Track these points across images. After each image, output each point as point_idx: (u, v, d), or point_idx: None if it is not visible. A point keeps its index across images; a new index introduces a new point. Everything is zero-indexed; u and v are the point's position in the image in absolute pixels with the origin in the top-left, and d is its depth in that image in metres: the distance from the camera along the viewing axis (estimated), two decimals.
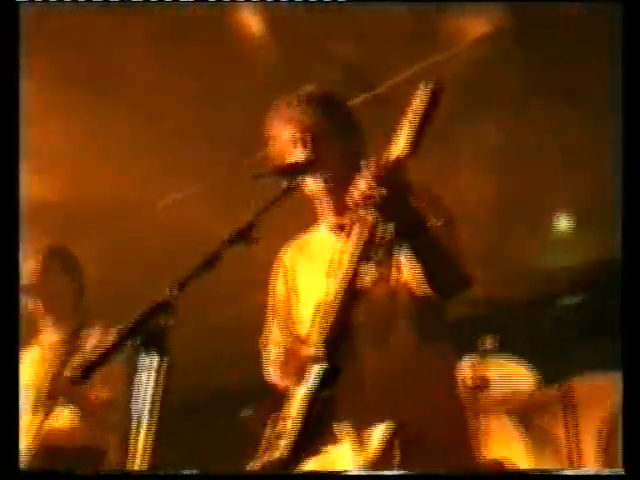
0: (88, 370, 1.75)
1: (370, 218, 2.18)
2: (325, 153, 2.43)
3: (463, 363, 4.66)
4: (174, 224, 5.16)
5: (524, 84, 4.12)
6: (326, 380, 2.16)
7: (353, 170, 2.29)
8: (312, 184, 2.44)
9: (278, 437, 2.21)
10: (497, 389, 4.90)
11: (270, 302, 2.66)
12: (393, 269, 2.29)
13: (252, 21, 3.82)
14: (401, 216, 2.16)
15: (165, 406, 1.73)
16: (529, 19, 3.68)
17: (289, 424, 2.20)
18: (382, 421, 2.22)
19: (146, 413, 1.73)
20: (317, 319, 2.26)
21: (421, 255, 2.21)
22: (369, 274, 2.23)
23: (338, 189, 2.42)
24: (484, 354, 4.74)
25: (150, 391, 1.74)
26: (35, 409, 3.77)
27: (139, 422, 1.73)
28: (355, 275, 2.21)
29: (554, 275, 5.73)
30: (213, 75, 4.14)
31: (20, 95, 2.34)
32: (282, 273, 2.65)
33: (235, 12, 3.78)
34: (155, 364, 1.75)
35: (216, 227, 2.13)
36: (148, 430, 1.72)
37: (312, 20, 3.78)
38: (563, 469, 4.45)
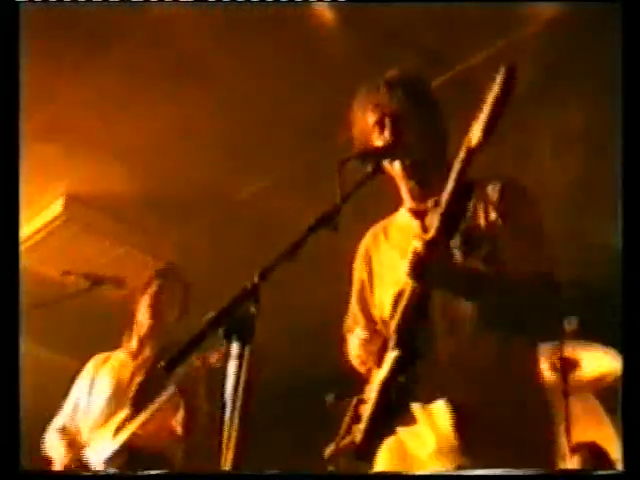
0: (176, 359, 1.78)
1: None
2: (407, 136, 2.42)
3: (549, 346, 4.60)
4: (259, 212, 5.18)
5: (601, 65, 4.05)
6: (402, 366, 2.17)
7: (434, 154, 2.34)
8: (396, 167, 2.44)
9: (356, 421, 2.24)
10: (585, 371, 4.82)
11: (353, 286, 2.68)
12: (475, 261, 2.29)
13: (327, 9, 3.84)
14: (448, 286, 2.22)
15: (252, 393, 1.75)
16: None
17: (367, 408, 2.22)
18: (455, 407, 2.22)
19: (232, 401, 1.74)
20: (397, 306, 2.26)
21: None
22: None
23: (419, 173, 2.43)
24: (569, 336, 4.67)
25: (236, 379, 1.75)
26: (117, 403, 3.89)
27: (228, 411, 1.74)
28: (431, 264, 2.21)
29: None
30: (291, 64, 4.16)
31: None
32: (363, 257, 2.65)
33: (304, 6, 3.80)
34: (241, 352, 1.76)
35: (301, 213, 2.14)
36: (235, 419, 1.73)
37: (386, 7, 3.77)
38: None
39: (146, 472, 3.40)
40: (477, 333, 2.29)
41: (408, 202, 2.53)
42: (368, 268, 2.62)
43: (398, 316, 2.23)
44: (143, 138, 4.72)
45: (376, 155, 2.35)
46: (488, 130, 2.06)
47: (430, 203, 2.39)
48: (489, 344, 2.28)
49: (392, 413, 2.21)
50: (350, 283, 2.70)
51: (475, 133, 2.08)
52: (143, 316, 4.06)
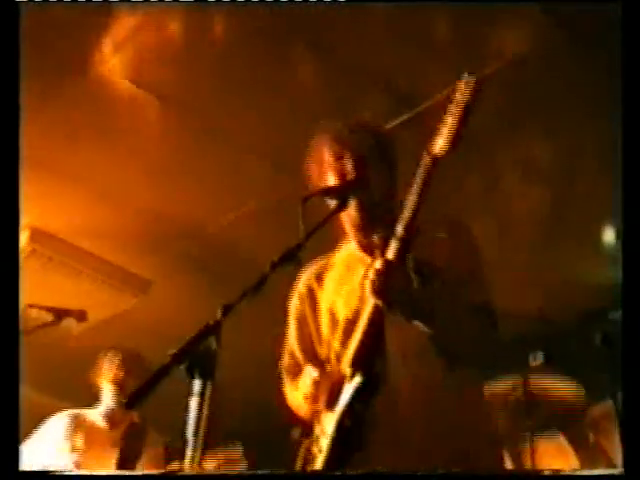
0: (138, 395, 1.76)
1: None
2: (367, 174, 2.45)
3: (510, 380, 4.62)
4: (227, 246, 5.18)
5: (570, 94, 4.09)
6: (362, 395, 2.18)
7: (387, 193, 2.43)
8: (353, 204, 2.45)
9: (313, 457, 2.23)
10: (548, 406, 4.84)
11: (289, 326, 2.67)
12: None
13: (298, 44, 3.86)
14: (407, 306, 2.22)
15: (213, 429, 1.74)
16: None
17: (323, 442, 2.21)
18: (415, 442, 2.22)
19: (193, 438, 1.73)
20: (351, 335, 2.27)
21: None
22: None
23: (369, 210, 2.45)
24: (535, 370, 4.69)
25: (197, 415, 1.74)
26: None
27: (189, 447, 1.73)
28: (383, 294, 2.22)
29: (603, 290, 5.65)
30: (263, 100, 4.17)
31: (21, 97, 2.36)
32: (305, 295, 2.65)
33: (278, 32, 3.81)
34: (202, 388, 1.75)
35: (265, 249, 2.14)
36: (196, 455, 1.72)
37: (354, 35, 3.80)
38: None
39: (146, 472, 3.38)
40: (426, 364, 2.30)
41: (355, 236, 2.53)
42: (312, 305, 2.61)
43: (355, 345, 2.24)
44: (111, 170, 4.70)
45: (340, 192, 2.36)
46: (451, 139, 2.11)
47: (376, 238, 2.42)
48: (437, 376, 2.29)
49: (349, 444, 2.20)
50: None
51: (438, 142, 2.13)
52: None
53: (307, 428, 2.39)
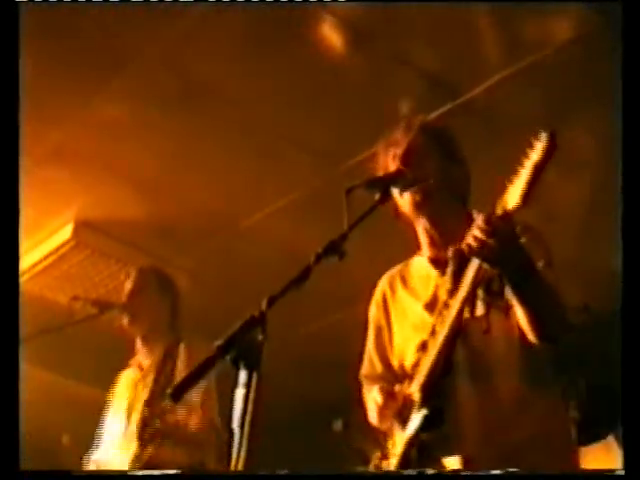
0: (182, 388, 1.77)
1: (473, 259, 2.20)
2: (422, 169, 2.45)
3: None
4: (266, 239, 5.18)
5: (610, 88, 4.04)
6: (429, 425, 2.17)
7: (455, 205, 2.41)
8: (406, 202, 2.46)
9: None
10: None
11: (369, 331, 2.67)
12: (498, 313, 2.30)
13: (332, 32, 3.85)
14: (510, 265, 2.15)
15: (259, 421, 1.74)
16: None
17: (393, 462, 2.21)
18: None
19: (239, 429, 1.73)
20: (422, 358, 2.27)
21: (528, 299, 2.20)
22: (476, 317, 2.26)
23: (439, 221, 2.47)
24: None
25: (244, 407, 1.74)
26: (131, 435, 3.84)
27: (236, 438, 1.73)
28: (460, 316, 2.22)
29: None
30: (301, 91, 4.16)
31: (20, 97, 2.35)
32: (380, 303, 2.66)
33: (315, 23, 3.80)
34: (248, 379, 1.75)
35: (309, 240, 2.14)
36: (243, 446, 1.71)
37: (394, 27, 3.78)
38: None
39: (146, 472, 3.38)
40: (502, 392, 2.28)
41: (427, 250, 2.54)
42: (385, 314, 2.62)
43: (426, 368, 2.23)
44: (152, 163, 4.73)
45: (383, 183, 2.35)
46: (526, 195, 2.06)
47: (450, 252, 2.38)
48: (515, 404, 2.28)
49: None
50: (354, 309, 2.69)
51: (512, 197, 2.08)
52: (126, 322, 4.02)
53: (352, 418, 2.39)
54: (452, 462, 2.21)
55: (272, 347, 1.81)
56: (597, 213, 4.71)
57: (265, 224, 5.07)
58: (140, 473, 3.37)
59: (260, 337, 1.80)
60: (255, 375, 1.76)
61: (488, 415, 2.26)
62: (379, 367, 2.58)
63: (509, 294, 2.22)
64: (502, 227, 2.09)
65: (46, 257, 5.34)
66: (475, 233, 2.11)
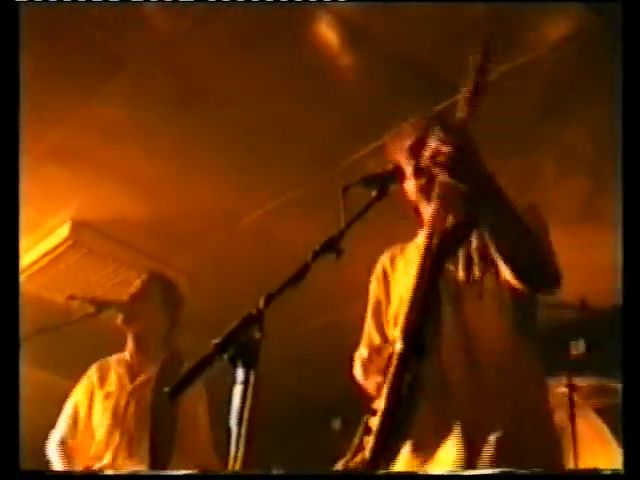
0: (180, 387, 1.77)
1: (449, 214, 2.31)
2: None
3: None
4: (264, 237, 5.19)
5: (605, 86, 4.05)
6: (406, 363, 2.18)
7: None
8: (412, 185, 2.51)
9: (367, 434, 2.21)
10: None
11: (368, 305, 2.69)
12: (492, 279, 2.34)
13: (331, 31, 3.85)
14: (471, 176, 2.23)
15: (257, 419, 1.74)
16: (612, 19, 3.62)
17: (376, 418, 2.20)
18: (469, 421, 2.22)
19: (237, 427, 1.73)
20: (401, 315, 2.28)
21: (506, 237, 2.26)
22: (471, 282, 2.30)
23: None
24: (576, 360, 4.66)
25: (241, 405, 1.74)
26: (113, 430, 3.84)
27: (233, 436, 1.73)
28: (437, 269, 2.27)
29: None
30: (298, 88, 4.17)
31: (20, 99, 2.36)
32: (380, 276, 2.69)
33: (314, 22, 3.81)
34: (246, 377, 1.75)
35: (306, 238, 2.14)
36: (240, 445, 1.71)
37: (391, 25, 3.79)
38: None
39: (146, 472, 3.38)
40: (493, 344, 2.31)
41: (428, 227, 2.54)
42: (385, 288, 2.65)
43: (404, 310, 2.26)
44: (150, 163, 4.74)
45: (380, 180, 2.36)
46: (471, 106, 2.26)
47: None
48: (506, 356, 2.30)
49: (402, 417, 2.19)
50: (352, 307, 2.70)
51: (460, 110, 2.28)
52: (120, 319, 4.02)
53: (350, 417, 2.39)
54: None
55: (270, 345, 1.82)
56: (595, 210, 4.74)
57: (263, 223, 5.08)
58: (140, 473, 3.37)
59: (258, 335, 1.80)
60: (253, 373, 1.75)
61: (478, 380, 2.27)
62: (377, 339, 2.59)
63: (486, 234, 2.29)
64: (456, 137, 2.19)
65: (43, 256, 5.35)
66: (431, 145, 2.22)
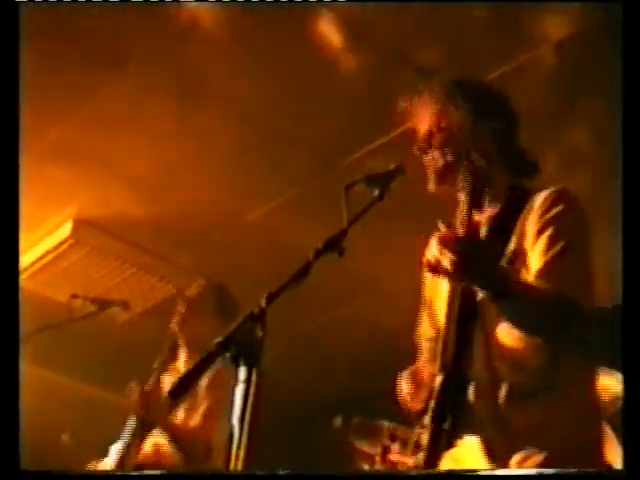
0: (180, 387, 1.77)
1: None
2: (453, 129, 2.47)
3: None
4: (266, 235, 5.18)
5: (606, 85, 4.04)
6: (448, 392, 2.16)
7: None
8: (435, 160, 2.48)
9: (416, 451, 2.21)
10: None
11: (424, 295, 2.65)
12: None
13: (332, 31, 3.85)
14: (481, 284, 2.16)
15: (259, 418, 1.74)
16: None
17: (424, 437, 2.18)
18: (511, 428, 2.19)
19: (239, 425, 1.73)
20: (442, 336, 2.27)
21: (509, 315, 2.20)
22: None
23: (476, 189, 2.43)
24: None
25: (243, 404, 1.74)
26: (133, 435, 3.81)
27: (235, 434, 1.73)
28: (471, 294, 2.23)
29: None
30: (302, 88, 4.16)
31: (20, 102, 2.35)
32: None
33: (314, 22, 3.81)
34: (248, 376, 1.75)
35: (309, 236, 2.14)
36: (242, 442, 1.71)
37: (392, 24, 3.78)
38: None
39: (146, 472, 3.37)
40: (524, 356, 2.25)
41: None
42: (434, 280, 2.56)
43: (441, 344, 2.24)
44: (152, 160, 4.73)
45: (382, 178, 2.36)
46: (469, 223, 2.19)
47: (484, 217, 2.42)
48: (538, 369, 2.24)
49: (446, 440, 2.17)
50: (355, 306, 2.69)
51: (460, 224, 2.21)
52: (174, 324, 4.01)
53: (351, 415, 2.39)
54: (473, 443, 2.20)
55: (272, 344, 1.82)
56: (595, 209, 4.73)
57: (265, 221, 5.07)
58: (140, 473, 3.37)
59: (260, 334, 1.80)
60: (255, 372, 1.75)
61: (503, 400, 2.22)
62: (430, 332, 2.54)
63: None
64: (463, 245, 2.10)
65: (45, 255, 5.35)
66: (433, 251, 2.12)
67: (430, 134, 2.48)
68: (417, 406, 2.32)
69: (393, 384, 2.51)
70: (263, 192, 4.91)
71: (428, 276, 2.56)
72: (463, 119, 2.48)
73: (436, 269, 2.13)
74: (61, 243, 5.28)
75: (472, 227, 2.16)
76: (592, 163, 4.49)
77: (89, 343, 5.52)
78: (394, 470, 2.22)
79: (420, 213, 2.64)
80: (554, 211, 2.31)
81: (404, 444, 2.34)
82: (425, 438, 2.17)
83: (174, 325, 3.98)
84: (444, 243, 2.09)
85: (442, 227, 2.19)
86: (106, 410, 4.12)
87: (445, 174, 2.47)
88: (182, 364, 4.03)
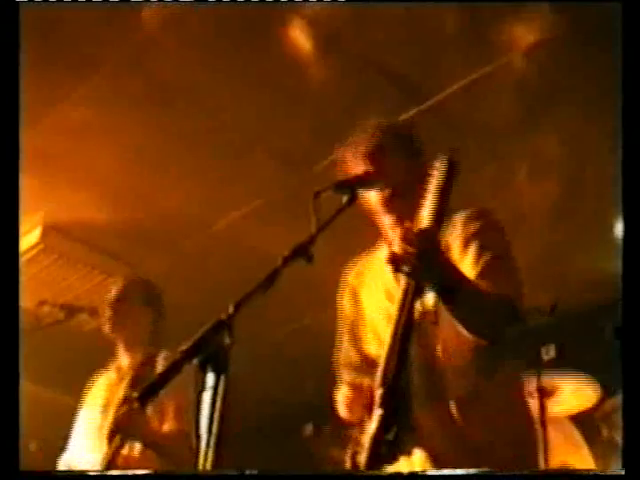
0: (149, 392, 1.75)
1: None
2: (387, 169, 2.49)
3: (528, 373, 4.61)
4: (235, 242, 5.18)
5: (579, 90, 4.07)
6: (387, 425, 2.15)
7: (414, 185, 2.38)
8: (373, 200, 2.50)
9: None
10: (562, 400, 4.84)
11: (342, 322, 2.68)
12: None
13: (302, 35, 3.85)
14: (432, 280, 2.19)
15: (226, 425, 1.73)
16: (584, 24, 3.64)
17: (361, 459, 2.19)
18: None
19: (207, 432, 1.72)
20: (385, 351, 2.25)
21: (459, 313, 2.23)
22: (427, 310, 2.28)
23: (400, 206, 2.48)
24: (547, 365, 4.68)
25: (211, 411, 1.73)
26: (103, 436, 3.79)
27: (202, 443, 1.72)
28: (411, 309, 2.23)
29: (616, 282, 5.61)
30: (269, 94, 4.16)
31: (20, 99, 2.37)
32: (349, 295, 2.68)
33: (285, 26, 3.80)
34: (215, 383, 1.74)
35: (277, 243, 2.14)
36: (210, 450, 1.71)
37: (361, 30, 3.79)
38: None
39: (145, 472, 3.36)
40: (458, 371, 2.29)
41: (387, 242, 2.54)
42: (357, 306, 2.64)
43: (382, 361, 2.23)
44: (121, 167, 4.71)
45: (351, 185, 2.36)
46: (437, 216, 2.17)
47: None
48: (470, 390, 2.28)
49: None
50: (323, 313, 2.69)
51: (425, 218, 2.18)
52: (107, 329, 3.98)
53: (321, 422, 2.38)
54: (419, 457, 2.21)
55: (240, 351, 1.81)
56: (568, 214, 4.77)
57: (234, 228, 5.07)
58: (139, 473, 3.35)
59: (228, 341, 1.79)
60: (222, 379, 1.75)
61: (445, 412, 2.26)
62: (355, 358, 2.58)
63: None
64: (421, 244, 2.13)
65: None
66: (394, 248, 2.15)
67: (367, 174, 2.48)
68: (355, 419, 2.33)
69: None
70: (231, 199, 4.90)
71: (349, 301, 2.65)
72: (396, 159, 2.52)
73: (397, 264, 2.15)
74: (29, 249, 5.24)
75: (431, 223, 2.16)
76: (561, 169, 4.53)
77: (57, 351, 5.49)
78: (361, 472, 2.21)
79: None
80: (476, 227, 2.41)
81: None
82: (363, 456, 2.18)
83: (107, 332, 3.95)
84: (404, 238, 2.13)
85: (407, 223, 2.21)
86: (73, 417, 4.08)
87: (392, 200, 2.49)
88: (124, 361, 3.99)
